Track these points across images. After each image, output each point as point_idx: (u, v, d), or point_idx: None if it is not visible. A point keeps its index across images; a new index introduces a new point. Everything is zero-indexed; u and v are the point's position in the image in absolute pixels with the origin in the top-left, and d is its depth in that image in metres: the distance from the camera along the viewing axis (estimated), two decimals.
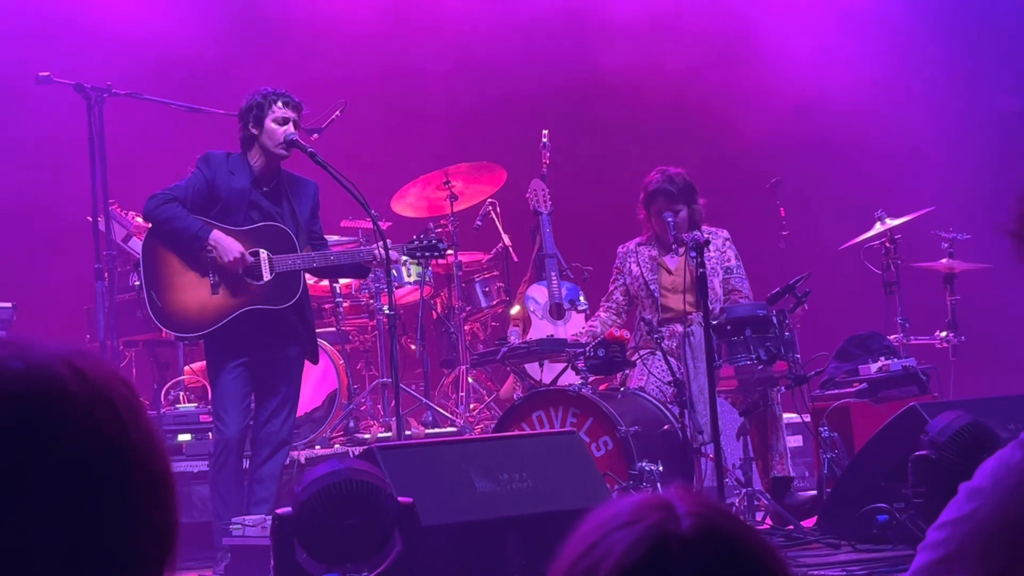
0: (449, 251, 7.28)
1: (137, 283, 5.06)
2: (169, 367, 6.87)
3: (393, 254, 5.12)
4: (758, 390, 5.50)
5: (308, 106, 5.33)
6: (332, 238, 7.20)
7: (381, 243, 5.04)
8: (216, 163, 5.02)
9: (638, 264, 6.09)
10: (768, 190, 7.88)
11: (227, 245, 4.89)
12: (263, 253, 4.98)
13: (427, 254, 5.37)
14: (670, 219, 5.79)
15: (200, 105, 6.42)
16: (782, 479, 5.60)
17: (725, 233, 6.12)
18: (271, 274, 4.99)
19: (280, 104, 5.07)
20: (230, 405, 4.96)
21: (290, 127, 5.06)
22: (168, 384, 6.62)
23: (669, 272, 6.05)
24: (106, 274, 5.96)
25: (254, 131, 5.07)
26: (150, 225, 5.05)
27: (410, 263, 6.80)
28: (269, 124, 5.04)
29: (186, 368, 6.82)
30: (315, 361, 5.33)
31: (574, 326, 6.68)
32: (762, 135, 9.04)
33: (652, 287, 6.00)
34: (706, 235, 5.75)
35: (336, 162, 5.17)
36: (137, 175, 6.68)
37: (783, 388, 5.55)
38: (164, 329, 5.12)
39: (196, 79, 8.21)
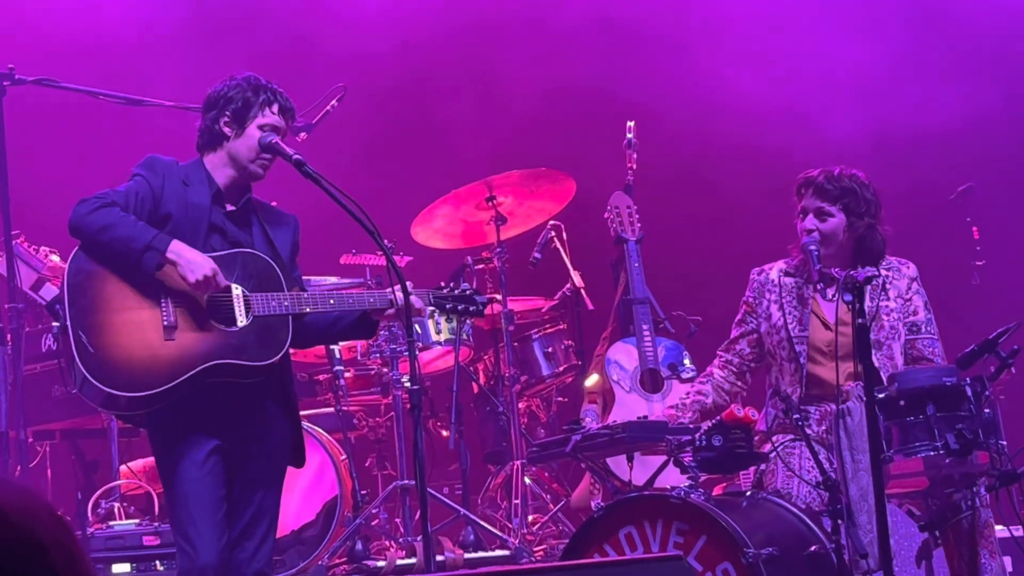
0: (492, 300, 7.27)
1: (56, 325, 4.93)
2: (99, 467, 6.86)
3: (416, 301, 5.08)
4: (947, 493, 5.42)
5: (294, 95, 5.33)
6: (329, 280, 7.22)
7: (398, 286, 5.00)
8: (164, 170, 5.03)
9: (781, 306, 5.99)
10: (953, 202, 7.78)
11: (193, 258, 4.88)
12: (236, 289, 4.97)
13: (459, 307, 5.32)
14: (811, 225, 5.74)
15: (142, 96, 6.46)
16: None
17: (912, 270, 5.91)
18: (248, 317, 4.98)
19: (276, 108, 5.10)
20: (202, 515, 4.81)
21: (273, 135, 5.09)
22: (98, 492, 6.60)
23: (825, 325, 5.86)
24: (8, 336, 5.96)
25: (227, 131, 5.08)
26: (79, 242, 4.96)
27: (439, 315, 6.77)
28: (252, 130, 5.06)
29: (123, 468, 6.80)
30: (299, 464, 5.27)
31: (676, 401, 6.61)
32: (941, 117, 8.94)
33: (799, 347, 5.87)
34: (882, 271, 5.64)
35: (332, 173, 5.16)
36: (51, 197, 6.70)
37: (983, 489, 5.47)
38: (98, 384, 4.74)
39: (135, 61, 8.27)
